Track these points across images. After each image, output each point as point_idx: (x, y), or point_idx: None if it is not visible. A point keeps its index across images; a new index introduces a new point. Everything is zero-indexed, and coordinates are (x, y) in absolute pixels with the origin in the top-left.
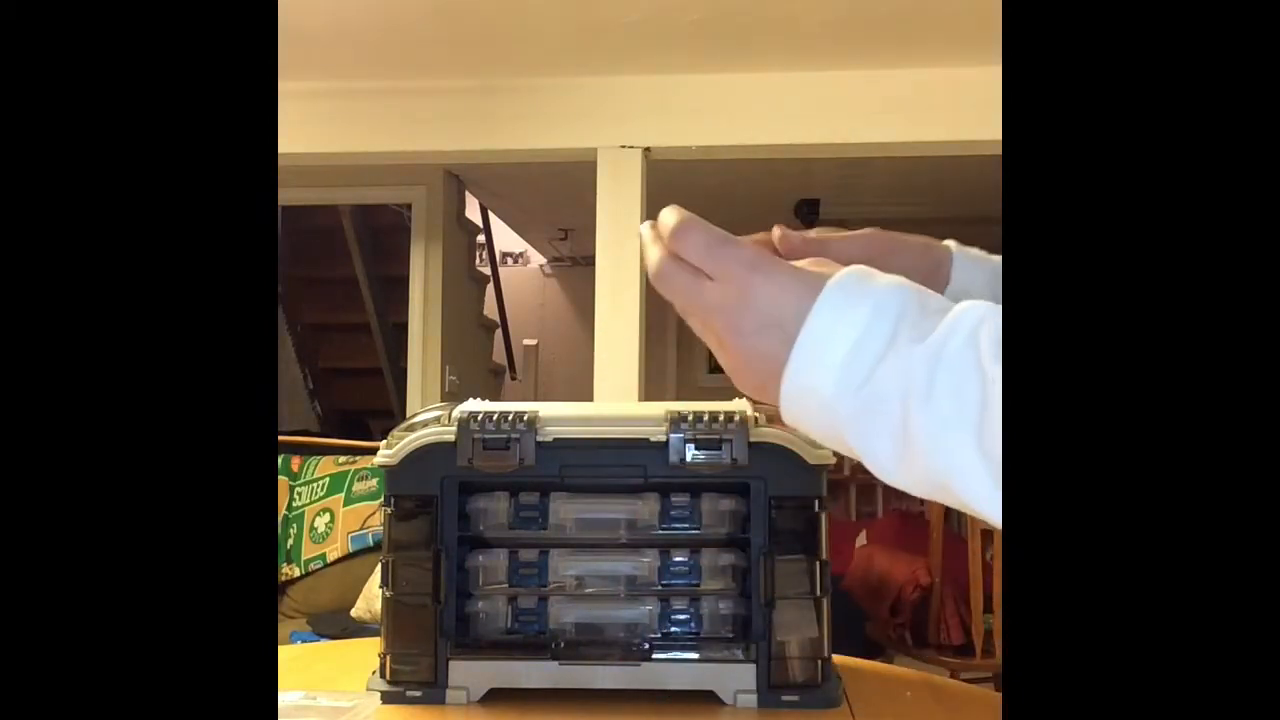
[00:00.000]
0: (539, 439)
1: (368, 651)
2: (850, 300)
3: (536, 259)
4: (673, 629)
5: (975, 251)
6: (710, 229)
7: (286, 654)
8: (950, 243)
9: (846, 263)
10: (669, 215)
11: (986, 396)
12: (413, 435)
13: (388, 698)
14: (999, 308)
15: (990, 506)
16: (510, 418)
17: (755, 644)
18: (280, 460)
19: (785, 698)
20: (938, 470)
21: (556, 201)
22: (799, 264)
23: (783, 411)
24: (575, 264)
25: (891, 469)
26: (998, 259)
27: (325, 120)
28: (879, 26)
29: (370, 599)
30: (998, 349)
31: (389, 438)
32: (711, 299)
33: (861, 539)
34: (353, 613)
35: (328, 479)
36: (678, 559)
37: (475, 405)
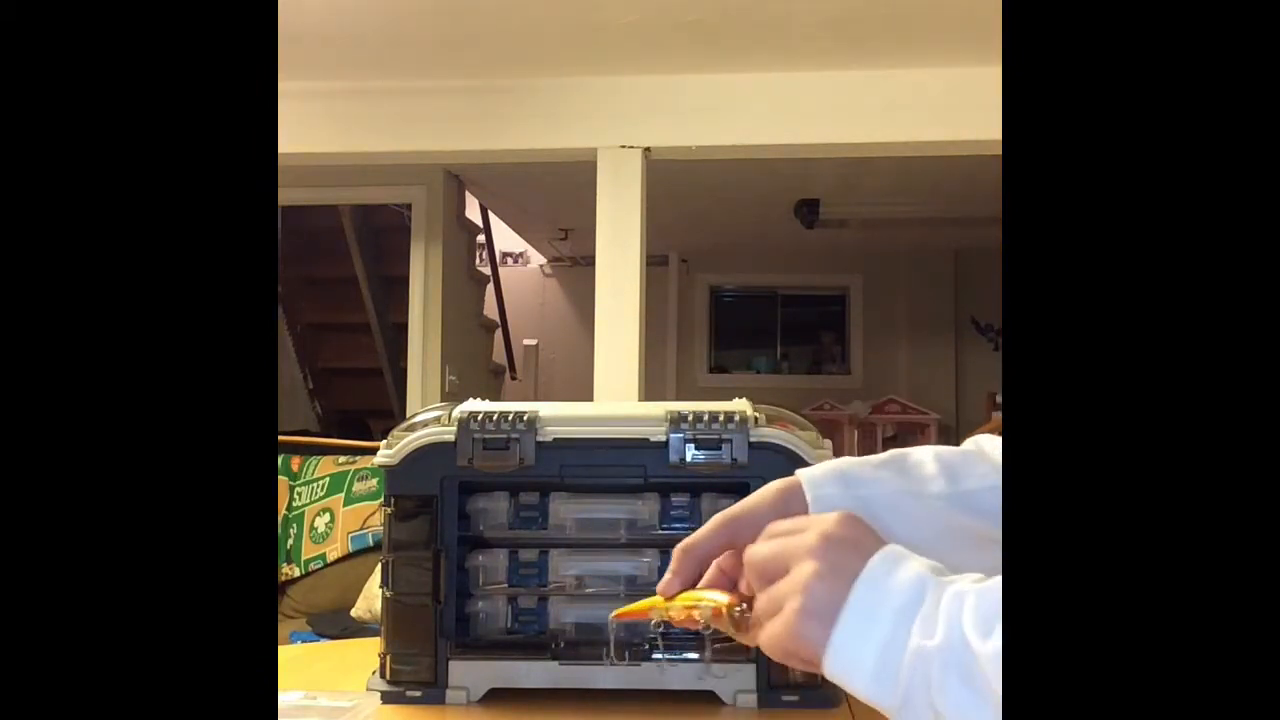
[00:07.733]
0: (539, 439)
1: (368, 651)
2: (874, 608)
3: (536, 259)
4: (673, 629)
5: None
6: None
7: (286, 654)
8: (800, 474)
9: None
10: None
11: (985, 672)
12: (413, 435)
13: (388, 698)
14: (975, 584)
15: None
16: (510, 418)
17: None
18: (280, 460)
19: (785, 698)
20: None
21: (556, 201)
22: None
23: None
24: (575, 264)
25: None
26: (842, 463)
27: (325, 120)
28: (879, 26)
29: (370, 599)
30: (982, 623)
31: (389, 438)
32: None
33: None
34: (353, 613)
35: (328, 479)
36: None
37: (475, 405)
